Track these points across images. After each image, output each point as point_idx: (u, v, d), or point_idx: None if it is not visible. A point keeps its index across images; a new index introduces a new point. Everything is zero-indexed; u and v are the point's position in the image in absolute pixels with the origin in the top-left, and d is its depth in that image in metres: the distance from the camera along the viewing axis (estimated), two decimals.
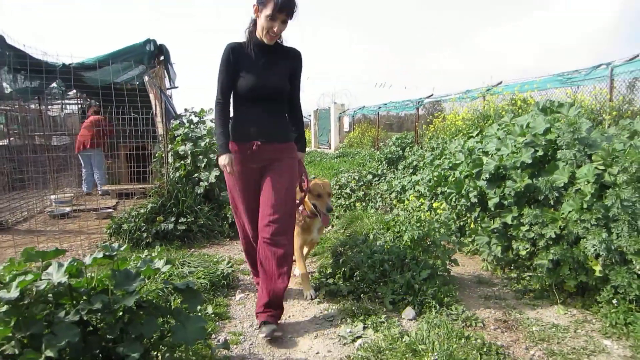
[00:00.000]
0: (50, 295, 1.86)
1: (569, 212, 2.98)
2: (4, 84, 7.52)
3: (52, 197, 7.60)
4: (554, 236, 3.02)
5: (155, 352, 1.99)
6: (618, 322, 2.58)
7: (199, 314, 2.29)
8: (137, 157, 8.51)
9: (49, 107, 9.92)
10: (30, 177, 7.18)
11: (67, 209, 6.89)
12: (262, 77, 2.71)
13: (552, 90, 8.63)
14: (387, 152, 10.74)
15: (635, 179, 2.75)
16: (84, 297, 1.92)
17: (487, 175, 3.56)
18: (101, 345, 1.86)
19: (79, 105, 10.63)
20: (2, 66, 6.18)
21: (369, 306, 2.89)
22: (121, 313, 1.95)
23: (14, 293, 1.62)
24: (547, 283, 3.14)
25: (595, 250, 2.73)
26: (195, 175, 5.46)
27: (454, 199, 4.09)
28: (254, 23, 2.72)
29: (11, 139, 9.52)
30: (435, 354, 2.21)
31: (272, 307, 2.68)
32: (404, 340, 2.42)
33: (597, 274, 2.80)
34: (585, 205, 2.87)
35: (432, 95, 14.23)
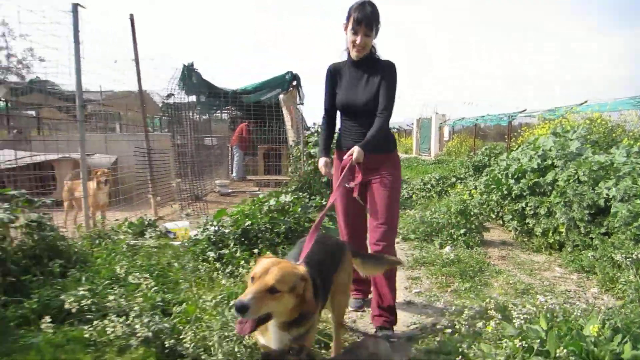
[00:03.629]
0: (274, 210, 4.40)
1: (553, 198, 4.90)
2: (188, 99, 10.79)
3: (217, 181, 10.70)
4: (543, 213, 4.96)
5: None
6: (569, 260, 4.49)
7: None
8: (271, 156, 11.54)
9: (210, 116, 13.26)
10: (205, 166, 10.34)
11: (229, 190, 9.86)
12: (350, 94, 2.87)
13: (624, 111, 9.83)
14: (474, 160, 12.48)
15: (590, 179, 4.61)
16: (287, 213, 4.42)
17: (510, 175, 5.55)
18: (296, 233, 4.34)
19: (229, 116, 13.94)
20: (197, 92, 9.31)
21: (427, 245, 5.10)
22: (303, 221, 4.42)
23: (272, 202, 4.16)
24: (542, 242, 5.06)
25: (562, 219, 4.65)
26: None
27: (495, 192, 6.07)
28: (347, 41, 2.84)
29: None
30: (453, 257, 4.39)
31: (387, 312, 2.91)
32: (443, 256, 4.60)
33: (564, 234, 4.70)
34: (560, 194, 4.78)
35: (525, 110, 15.53)
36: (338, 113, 3.08)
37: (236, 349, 2.29)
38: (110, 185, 5.95)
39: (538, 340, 2.05)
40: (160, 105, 12.27)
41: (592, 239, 4.40)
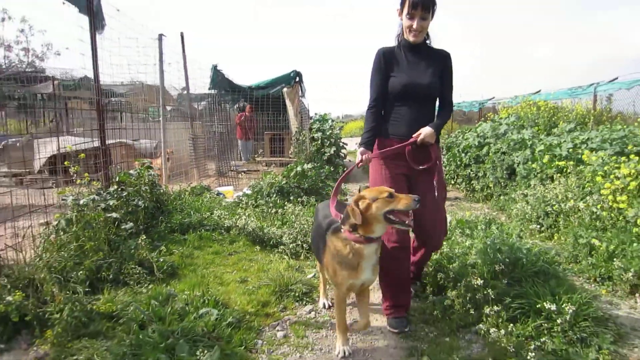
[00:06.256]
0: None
1: (486, 165, 7.16)
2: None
3: (233, 162, 12.83)
4: (481, 175, 7.22)
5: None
6: (494, 205, 6.75)
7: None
8: (276, 140, 13.68)
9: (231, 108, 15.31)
10: (220, 151, 12.48)
11: (245, 169, 12.02)
12: (413, 75, 2.76)
13: (563, 99, 12.14)
14: (448, 140, 14.72)
15: (509, 150, 6.86)
16: (307, 177, 6.62)
17: (461, 150, 7.81)
18: (313, 189, 6.55)
19: (237, 107, 16.02)
20: (221, 88, 11.40)
21: None
22: (317, 181, 6.64)
23: (299, 169, 6.36)
24: (480, 196, 7.32)
25: (491, 178, 6.91)
26: (322, 149, 10.16)
27: (452, 163, 8.33)
28: (401, 26, 2.81)
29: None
30: None
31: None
32: None
33: (492, 188, 6.96)
34: (491, 162, 7.04)
35: (493, 98, 17.83)
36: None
37: (299, 239, 4.49)
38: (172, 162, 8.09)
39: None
40: (176, 97, 14.35)
41: (507, 189, 6.68)
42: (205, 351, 2.26)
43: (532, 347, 2.40)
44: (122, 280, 3.41)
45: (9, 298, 2.60)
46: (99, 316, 2.79)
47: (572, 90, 11.75)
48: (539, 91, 14.07)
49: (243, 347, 2.56)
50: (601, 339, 2.43)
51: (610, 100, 10.80)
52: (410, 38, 2.76)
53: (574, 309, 2.58)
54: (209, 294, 3.00)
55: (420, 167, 2.77)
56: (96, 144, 8.98)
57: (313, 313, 3.12)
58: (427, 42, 2.88)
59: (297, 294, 3.32)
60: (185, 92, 14.05)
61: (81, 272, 3.03)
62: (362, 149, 2.80)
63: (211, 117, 10.87)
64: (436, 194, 2.79)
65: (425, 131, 2.69)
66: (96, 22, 4.62)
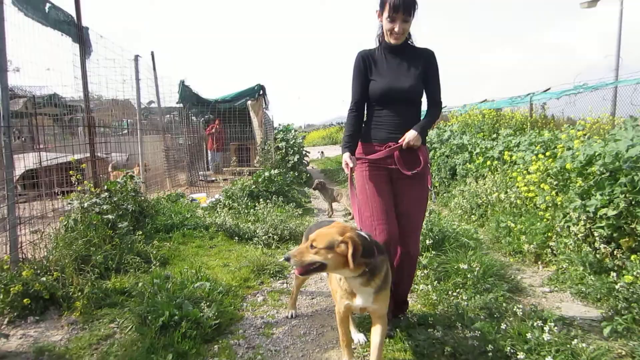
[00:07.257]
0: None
1: (433, 167, 8.12)
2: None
3: (201, 172, 13.41)
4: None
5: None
6: (440, 202, 7.71)
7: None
8: (241, 150, 14.35)
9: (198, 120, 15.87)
10: (189, 162, 13.04)
11: (213, 178, 12.64)
12: (393, 79, 2.70)
13: (504, 108, 13.42)
14: None
15: (451, 154, 7.85)
16: (274, 182, 7.38)
17: None
18: (281, 192, 7.32)
19: (203, 119, 16.60)
20: (188, 102, 12.02)
21: None
22: (283, 185, 7.41)
23: (266, 174, 7.12)
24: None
25: (436, 179, 7.88)
26: (286, 157, 10.94)
27: None
28: (381, 28, 2.74)
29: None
30: None
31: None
32: None
33: (438, 188, 7.93)
34: (436, 164, 8.01)
35: (445, 106, 19.16)
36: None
37: (270, 232, 5.24)
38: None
39: None
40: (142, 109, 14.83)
41: (450, 188, 7.66)
42: (206, 307, 2.99)
43: (451, 295, 3.25)
44: (123, 269, 4.06)
45: (43, 279, 3.24)
46: (114, 292, 3.47)
47: (512, 99, 13.03)
48: (485, 100, 15.35)
49: (232, 307, 3.31)
50: (499, 287, 3.31)
51: (545, 109, 12.12)
52: (392, 41, 2.70)
53: (481, 268, 3.46)
54: (201, 271, 3.72)
55: (411, 172, 2.67)
56: (68, 158, 9.29)
57: (285, 285, 3.89)
58: (409, 41, 2.80)
59: (271, 272, 4.08)
60: (151, 105, 14.63)
61: (99, 256, 3.70)
62: (347, 154, 2.73)
63: (180, 130, 11.46)
64: (419, 195, 2.74)
65: (410, 135, 2.63)
66: (85, 49, 5.26)
